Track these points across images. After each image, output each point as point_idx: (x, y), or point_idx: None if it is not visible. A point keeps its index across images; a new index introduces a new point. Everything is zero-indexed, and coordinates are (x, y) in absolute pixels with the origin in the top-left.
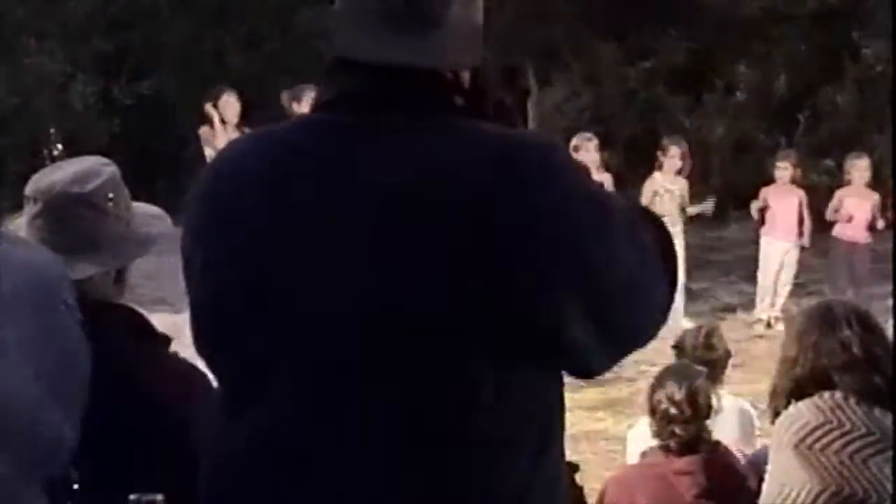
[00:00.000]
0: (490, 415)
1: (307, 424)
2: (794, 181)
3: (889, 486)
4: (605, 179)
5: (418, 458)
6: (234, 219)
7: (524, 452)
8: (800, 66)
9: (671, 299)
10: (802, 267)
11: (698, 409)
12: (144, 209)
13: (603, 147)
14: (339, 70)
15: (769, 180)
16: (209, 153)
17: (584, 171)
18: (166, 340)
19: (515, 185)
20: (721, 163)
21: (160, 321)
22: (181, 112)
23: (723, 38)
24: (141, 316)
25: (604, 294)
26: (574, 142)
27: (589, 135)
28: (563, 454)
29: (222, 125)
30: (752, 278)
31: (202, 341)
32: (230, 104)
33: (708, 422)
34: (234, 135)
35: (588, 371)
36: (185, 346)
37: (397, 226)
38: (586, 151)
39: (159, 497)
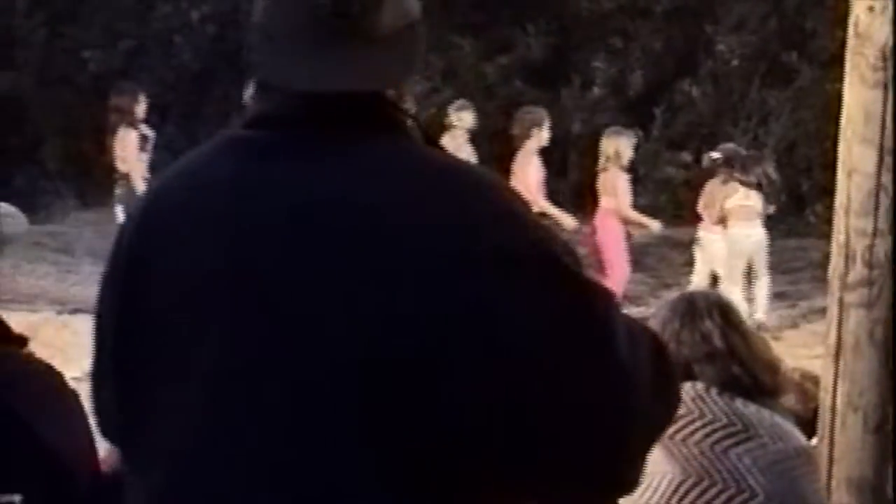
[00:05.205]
0: None
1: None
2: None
3: (749, 477)
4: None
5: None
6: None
7: None
8: (655, 60)
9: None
10: (665, 260)
11: None
12: (0, 209)
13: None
14: (264, 87)
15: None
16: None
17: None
18: (23, 340)
19: (455, 230)
20: (579, 157)
21: (16, 320)
22: (37, 109)
23: (579, 33)
24: None
25: (529, 381)
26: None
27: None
28: None
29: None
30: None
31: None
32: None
33: None
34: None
35: None
36: (41, 346)
37: (327, 266)
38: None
39: (16, 498)
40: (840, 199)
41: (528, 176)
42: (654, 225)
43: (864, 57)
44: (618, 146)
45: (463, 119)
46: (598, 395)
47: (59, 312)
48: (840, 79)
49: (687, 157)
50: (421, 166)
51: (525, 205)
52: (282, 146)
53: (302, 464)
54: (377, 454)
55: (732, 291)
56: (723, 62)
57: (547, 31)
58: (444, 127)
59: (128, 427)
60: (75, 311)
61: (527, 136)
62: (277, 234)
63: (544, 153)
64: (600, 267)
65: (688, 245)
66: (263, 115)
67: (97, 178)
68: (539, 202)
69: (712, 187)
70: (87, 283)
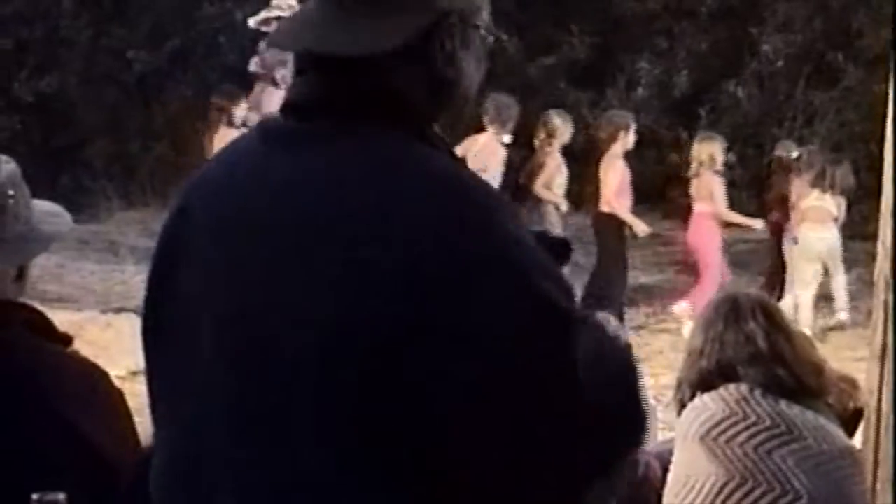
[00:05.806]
0: None
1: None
2: None
3: (793, 479)
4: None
5: None
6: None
7: None
8: (700, 61)
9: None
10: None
11: None
12: (44, 207)
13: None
14: (297, 73)
15: (671, 174)
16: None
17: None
18: (68, 339)
19: (427, 236)
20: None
21: (61, 319)
22: (82, 109)
23: (624, 33)
24: (42, 314)
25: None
26: None
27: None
28: None
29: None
30: (654, 271)
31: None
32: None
33: None
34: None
35: None
36: (85, 345)
37: (325, 257)
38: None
39: (61, 496)
40: (886, 200)
41: (613, 179)
42: (757, 224)
43: None
44: (712, 151)
45: (553, 125)
46: (542, 412)
47: (104, 311)
48: (886, 79)
49: (731, 157)
50: (417, 170)
51: (514, 221)
52: (299, 137)
53: (268, 424)
54: (334, 433)
55: (800, 295)
56: (768, 63)
57: (591, 31)
58: (533, 131)
59: (158, 393)
60: (119, 311)
61: (614, 139)
62: (271, 223)
63: (588, 154)
64: (693, 271)
65: (732, 247)
66: (291, 104)
67: (142, 178)
68: (615, 206)
69: (798, 189)
70: (132, 282)
